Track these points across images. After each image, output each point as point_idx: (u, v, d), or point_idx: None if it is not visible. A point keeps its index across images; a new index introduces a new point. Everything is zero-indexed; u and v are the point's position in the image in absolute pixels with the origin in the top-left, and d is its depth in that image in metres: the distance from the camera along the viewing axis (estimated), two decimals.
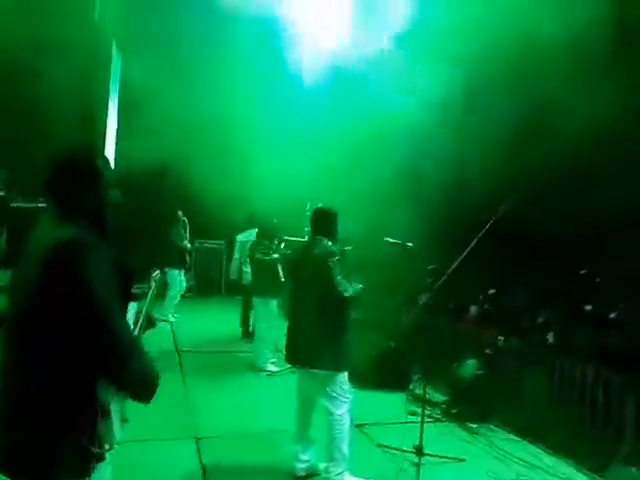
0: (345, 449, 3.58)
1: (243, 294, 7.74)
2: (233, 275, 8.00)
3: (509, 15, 5.10)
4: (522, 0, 5.11)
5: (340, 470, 3.55)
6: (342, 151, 8.05)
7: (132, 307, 2.11)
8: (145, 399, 1.78)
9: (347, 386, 3.70)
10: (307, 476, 3.73)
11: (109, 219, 1.86)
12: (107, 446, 1.70)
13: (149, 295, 2.19)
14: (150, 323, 2.13)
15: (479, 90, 5.91)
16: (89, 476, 1.64)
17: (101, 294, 1.59)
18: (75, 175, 1.78)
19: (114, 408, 1.77)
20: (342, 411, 3.60)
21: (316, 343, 3.55)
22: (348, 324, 3.71)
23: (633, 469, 3.28)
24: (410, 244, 3.99)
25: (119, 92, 9.80)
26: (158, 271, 2.38)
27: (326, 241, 3.69)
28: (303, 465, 3.73)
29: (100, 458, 1.68)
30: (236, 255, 8.01)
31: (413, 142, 6.77)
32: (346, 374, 3.70)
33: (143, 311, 2.12)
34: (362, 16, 7.84)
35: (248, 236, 7.31)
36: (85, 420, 1.63)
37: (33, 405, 1.60)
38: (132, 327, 2.00)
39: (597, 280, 6.15)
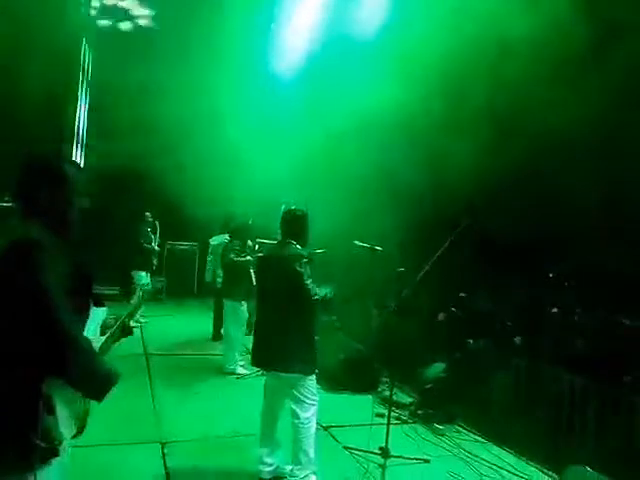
0: (311, 452, 3.59)
1: (216, 297, 7.70)
2: (208, 278, 7.95)
3: (484, 13, 5.16)
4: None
5: (306, 473, 3.56)
6: (318, 148, 8.04)
7: (102, 311, 2.13)
8: (95, 397, 1.81)
9: (314, 389, 3.71)
10: (273, 479, 3.72)
11: (74, 222, 1.90)
12: (56, 442, 1.70)
13: (132, 304, 2.22)
14: (125, 331, 2.13)
15: (454, 88, 5.93)
16: (33, 470, 1.65)
17: (48, 292, 1.62)
18: (41, 178, 1.83)
19: (66, 405, 1.76)
20: (309, 414, 3.61)
21: (284, 346, 3.55)
22: (316, 327, 3.73)
23: (588, 468, 3.36)
24: (378, 247, 4.02)
25: (89, 92, 9.64)
26: (149, 281, 2.39)
27: (295, 244, 3.70)
28: (269, 468, 3.72)
29: (48, 453, 1.68)
30: (209, 257, 7.97)
31: (386, 139, 6.79)
32: (314, 377, 3.70)
33: (120, 319, 2.11)
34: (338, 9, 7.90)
35: (222, 239, 7.28)
36: (29, 413, 1.64)
37: None
38: (102, 331, 2.03)
39: (565, 284, 6.32)
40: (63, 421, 1.75)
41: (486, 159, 5.26)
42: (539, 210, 5.37)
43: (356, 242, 4.06)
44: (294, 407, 3.63)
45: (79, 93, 9.26)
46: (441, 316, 6.84)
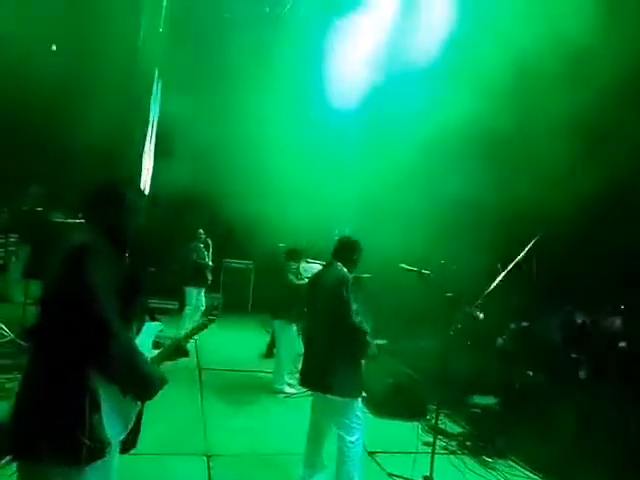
0: (356, 477, 3.55)
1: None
2: None
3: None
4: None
5: None
6: (378, 175, 8.09)
7: (156, 325, 2.27)
8: (139, 397, 1.94)
9: (360, 413, 3.68)
10: None
11: (131, 238, 2.14)
12: (103, 442, 1.81)
13: (191, 327, 2.36)
14: (180, 352, 2.26)
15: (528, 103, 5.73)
16: (79, 467, 1.76)
17: (98, 292, 1.79)
18: (104, 198, 2.11)
19: (115, 406, 1.87)
20: (354, 438, 3.58)
21: (330, 368, 3.56)
22: (363, 351, 3.69)
23: None
24: (426, 271, 3.98)
25: (159, 116, 10.22)
26: (203, 301, 2.53)
27: (341, 266, 3.73)
28: None
29: (94, 452, 1.79)
30: None
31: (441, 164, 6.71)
32: (360, 401, 3.68)
33: (176, 339, 2.24)
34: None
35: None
36: (76, 411, 1.76)
37: (34, 396, 1.80)
38: (155, 347, 2.18)
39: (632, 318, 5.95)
40: (110, 421, 1.84)
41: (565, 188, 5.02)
42: (609, 242, 5.08)
43: (403, 265, 4.03)
44: (338, 430, 3.62)
45: (149, 120, 9.86)
46: (500, 341, 6.59)
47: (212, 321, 2.37)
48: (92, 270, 1.80)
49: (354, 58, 8.62)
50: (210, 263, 8.77)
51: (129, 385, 1.90)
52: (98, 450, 1.81)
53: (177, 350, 2.24)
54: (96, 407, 1.80)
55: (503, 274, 4.26)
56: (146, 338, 2.15)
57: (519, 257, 4.33)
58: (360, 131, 9.21)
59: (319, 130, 9.55)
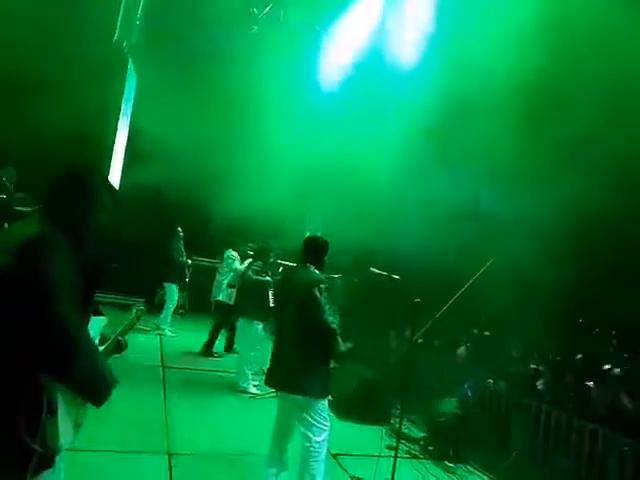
0: (319, 478, 3.55)
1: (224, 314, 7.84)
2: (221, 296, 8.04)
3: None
4: None
5: None
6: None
7: (101, 320, 2.15)
8: (95, 401, 1.79)
9: (326, 414, 3.68)
10: None
11: (90, 232, 1.94)
12: (52, 448, 1.67)
13: (127, 322, 2.24)
14: (120, 347, 2.15)
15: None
16: (27, 474, 1.61)
17: (56, 288, 1.64)
18: (66, 185, 1.92)
19: (66, 410, 1.75)
20: (319, 439, 3.57)
21: (296, 368, 3.55)
22: (331, 352, 3.71)
23: None
24: (396, 276, 4.02)
25: (131, 111, 10.05)
26: (142, 307, 2.42)
27: (313, 269, 3.75)
28: None
29: (44, 459, 1.65)
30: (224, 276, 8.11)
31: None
32: (325, 402, 3.68)
33: (116, 333, 2.14)
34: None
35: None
36: (28, 416, 1.62)
37: None
38: (97, 340, 2.02)
39: (595, 331, 6.18)
40: (63, 427, 1.72)
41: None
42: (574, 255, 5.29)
43: (373, 270, 4.06)
44: (304, 430, 3.61)
45: (120, 114, 9.67)
46: (462, 350, 6.72)
47: (139, 317, 2.29)
48: (50, 267, 1.65)
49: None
50: (188, 261, 8.71)
51: (89, 390, 1.77)
52: (48, 458, 1.67)
53: (117, 346, 2.14)
54: (52, 410, 1.66)
55: (450, 302, 4.34)
56: (94, 334, 2.00)
57: (471, 280, 4.41)
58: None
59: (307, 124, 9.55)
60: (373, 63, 8.28)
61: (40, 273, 1.64)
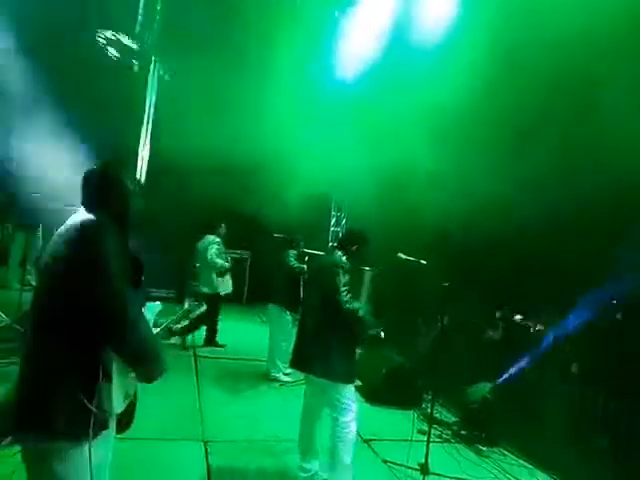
0: (348, 460, 3.57)
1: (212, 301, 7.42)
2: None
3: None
4: None
5: None
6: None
7: (157, 305, 2.34)
8: (146, 376, 1.94)
9: (352, 396, 3.68)
10: None
11: (130, 221, 2.10)
12: (107, 410, 1.83)
13: (180, 312, 2.37)
14: (170, 332, 2.26)
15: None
16: (88, 436, 1.77)
17: (112, 266, 1.79)
18: (97, 183, 2.07)
19: (119, 382, 1.89)
20: (347, 419, 3.59)
21: (320, 352, 3.56)
22: (357, 336, 3.70)
23: None
24: (423, 261, 3.99)
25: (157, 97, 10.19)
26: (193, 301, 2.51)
27: (339, 252, 3.75)
28: (307, 474, 3.75)
29: (99, 421, 1.80)
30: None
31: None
32: (352, 387, 3.68)
33: (166, 322, 2.26)
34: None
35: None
36: (87, 381, 1.79)
37: (43, 365, 1.79)
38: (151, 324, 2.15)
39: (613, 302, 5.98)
40: (115, 395, 1.87)
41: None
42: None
43: (400, 255, 4.03)
44: (331, 412, 3.64)
45: (145, 113, 9.84)
46: (494, 333, 6.63)
47: (190, 310, 2.38)
48: (107, 247, 1.80)
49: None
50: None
51: (140, 362, 1.91)
52: (103, 420, 1.83)
53: (169, 330, 2.27)
54: (108, 376, 1.82)
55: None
56: (147, 315, 2.15)
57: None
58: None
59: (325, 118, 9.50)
60: (395, 48, 8.12)
61: (96, 250, 1.80)
